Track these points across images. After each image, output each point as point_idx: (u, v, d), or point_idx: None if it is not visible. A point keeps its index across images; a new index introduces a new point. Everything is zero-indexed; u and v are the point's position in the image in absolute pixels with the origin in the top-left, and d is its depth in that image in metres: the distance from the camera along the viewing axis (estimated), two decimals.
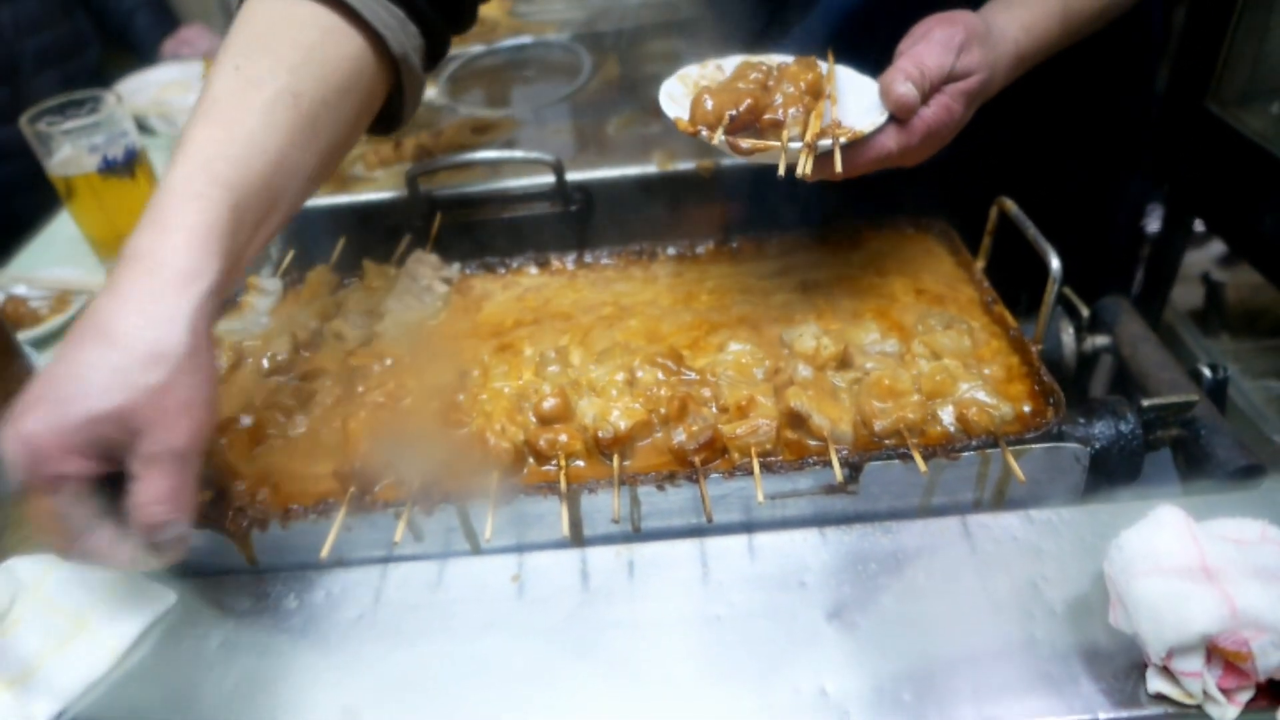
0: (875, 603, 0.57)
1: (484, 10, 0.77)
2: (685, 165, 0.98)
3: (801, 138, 0.62)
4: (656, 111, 1.07)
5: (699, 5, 1.04)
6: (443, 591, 0.61)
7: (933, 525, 0.61)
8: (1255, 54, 0.89)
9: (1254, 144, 0.87)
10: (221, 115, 0.56)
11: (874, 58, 0.69)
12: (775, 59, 0.71)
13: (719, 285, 0.81)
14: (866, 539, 0.61)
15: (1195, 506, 0.55)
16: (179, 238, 0.52)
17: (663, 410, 0.65)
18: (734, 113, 0.62)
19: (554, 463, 0.64)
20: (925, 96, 0.63)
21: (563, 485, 0.61)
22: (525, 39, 1.39)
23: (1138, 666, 0.52)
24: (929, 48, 0.63)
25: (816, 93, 0.66)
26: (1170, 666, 0.49)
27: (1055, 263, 0.66)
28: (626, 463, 0.63)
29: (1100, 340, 0.78)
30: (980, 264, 0.79)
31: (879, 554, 0.60)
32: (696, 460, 0.62)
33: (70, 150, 1.11)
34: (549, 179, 0.96)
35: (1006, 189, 0.76)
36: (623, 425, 0.63)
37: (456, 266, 0.87)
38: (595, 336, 0.76)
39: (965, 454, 0.61)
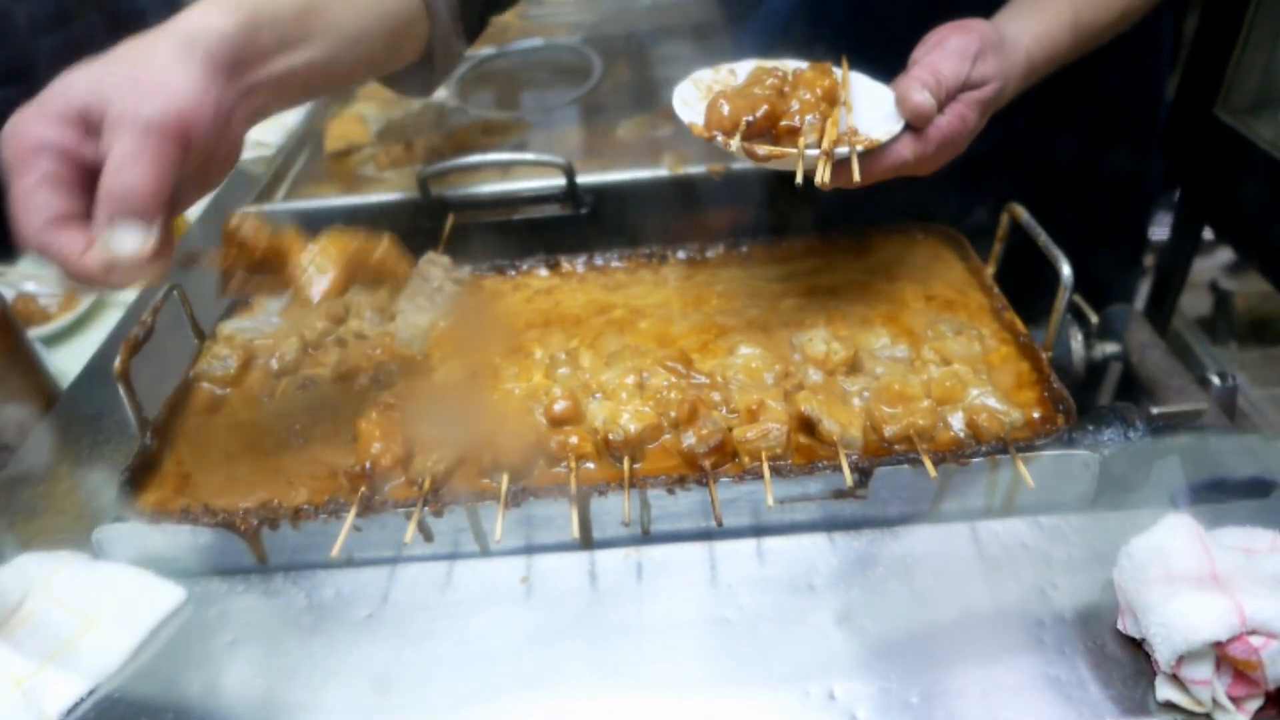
0: (884, 606, 0.57)
1: None
2: (696, 169, 0.99)
3: (818, 145, 0.62)
4: (667, 115, 1.08)
5: (710, 9, 1.04)
6: (452, 592, 0.61)
7: (942, 531, 0.61)
8: (1266, 62, 0.89)
9: (1264, 152, 0.87)
10: None
11: (885, 64, 0.69)
12: (790, 64, 0.71)
13: (729, 289, 0.82)
14: (876, 544, 0.61)
15: (1204, 515, 0.55)
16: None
17: (673, 413, 0.65)
18: (750, 119, 0.63)
19: (564, 465, 0.64)
20: (941, 105, 0.63)
21: (573, 487, 0.61)
22: (536, 41, 1.40)
23: (1146, 674, 0.52)
24: (944, 56, 0.63)
25: (833, 99, 0.66)
26: (1179, 674, 0.49)
27: (1066, 269, 0.66)
28: (636, 465, 0.64)
29: (1109, 347, 0.79)
30: (990, 270, 0.79)
31: (888, 559, 0.60)
32: (706, 464, 0.62)
33: None
34: (559, 181, 0.96)
35: (1014, 195, 0.76)
36: (633, 428, 0.63)
37: (467, 268, 0.87)
38: (605, 339, 0.76)
39: (975, 460, 0.61)
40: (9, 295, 1.10)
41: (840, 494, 0.62)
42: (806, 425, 0.64)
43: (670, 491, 0.62)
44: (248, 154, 1.30)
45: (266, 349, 0.78)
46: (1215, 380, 0.71)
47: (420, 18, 0.71)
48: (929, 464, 0.60)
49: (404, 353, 0.77)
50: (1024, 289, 0.77)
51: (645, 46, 1.32)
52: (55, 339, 1.06)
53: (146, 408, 0.70)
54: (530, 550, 0.63)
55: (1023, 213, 0.73)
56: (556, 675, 0.55)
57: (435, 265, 0.85)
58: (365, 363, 0.76)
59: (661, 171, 1.00)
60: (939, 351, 0.70)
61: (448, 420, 0.68)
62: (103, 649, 0.59)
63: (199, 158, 0.54)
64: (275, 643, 0.59)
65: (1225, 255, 1.38)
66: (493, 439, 0.65)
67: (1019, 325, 0.72)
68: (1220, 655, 0.48)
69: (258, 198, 1.00)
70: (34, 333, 1.03)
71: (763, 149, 0.62)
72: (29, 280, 1.13)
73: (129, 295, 1.08)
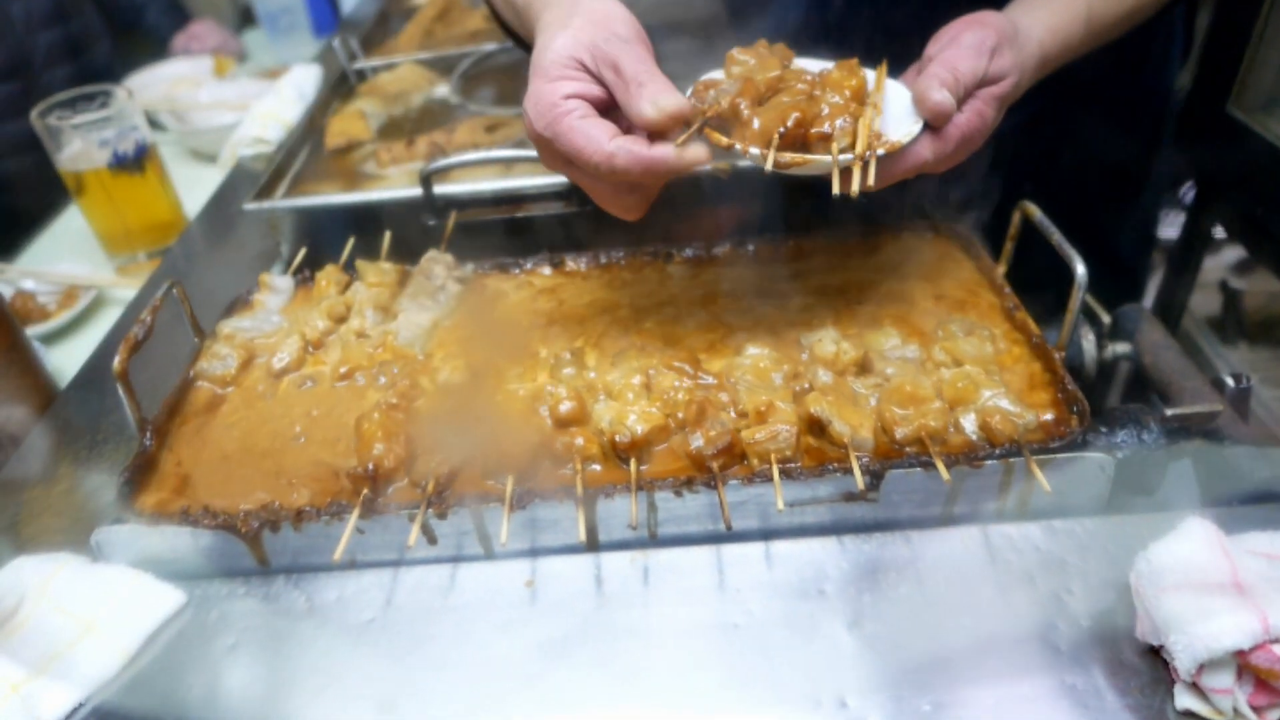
0: (895, 612, 0.56)
1: None
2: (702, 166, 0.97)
3: (850, 149, 0.61)
4: None
5: (716, 5, 1.03)
6: (455, 595, 0.60)
7: (954, 535, 0.60)
8: None
9: (1277, 149, 0.85)
10: None
11: (897, 58, 0.68)
12: (813, 65, 0.70)
13: (735, 288, 0.80)
14: (887, 548, 0.60)
15: (1223, 518, 0.54)
16: None
17: (680, 415, 0.64)
18: (783, 129, 0.61)
19: (570, 466, 0.63)
20: (959, 102, 0.62)
21: (579, 490, 0.60)
22: None
23: (1165, 682, 0.51)
24: (961, 53, 0.62)
25: (862, 100, 0.64)
26: (1200, 683, 0.48)
27: (1080, 268, 0.65)
28: (643, 467, 0.63)
29: (1121, 348, 0.77)
30: (1001, 269, 0.78)
31: (899, 563, 0.59)
32: (715, 466, 0.61)
33: (80, 145, 1.10)
34: (563, 179, 0.95)
35: (1024, 194, 0.75)
36: (640, 429, 0.62)
37: (470, 267, 0.86)
38: (610, 338, 0.75)
39: (988, 462, 0.60)
40: (8, 293, 1.09)
41: (851, 497, 0.61)
42: (816, 427, 0.63)
43: (678, 494, 0.60)
44: (247, 150, 1.29)
45: (267, 348, 0.77)
46: (1230, 381, 0.70)
47: None
48: (941, 467, 0.59)
49: (406, 352, 0.76)
50: (1034, 289, 0.76)
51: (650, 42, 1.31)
52: (54, 337, 1.05)
53: (146, 407, 0.69)
54: (535, 553, 0.62)
55: (1035, 211, 0.72)
56: (561, 681, 0.54)
57: (437, 264, 0.84)
58: (367, 362, 0.75)
59: None
60: (950, 352, 0.69)
61: (451, 421, 0.67)
62: (101, 654, 0.58)
63: None
64: (276, 647, 0.58)
65: (1234, 254, 1.37)
66: (497, 440, 0.64)
67: (1032, 325, 0.71)
68: (1242, 664, 0.47)
69: (257, 195, 0.99)
70: (32, 331, 1.02)
71: (788, 156, 0.60)
72: (27, 278, 1.12)
73: (128, 293, 1.07)
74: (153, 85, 1.63)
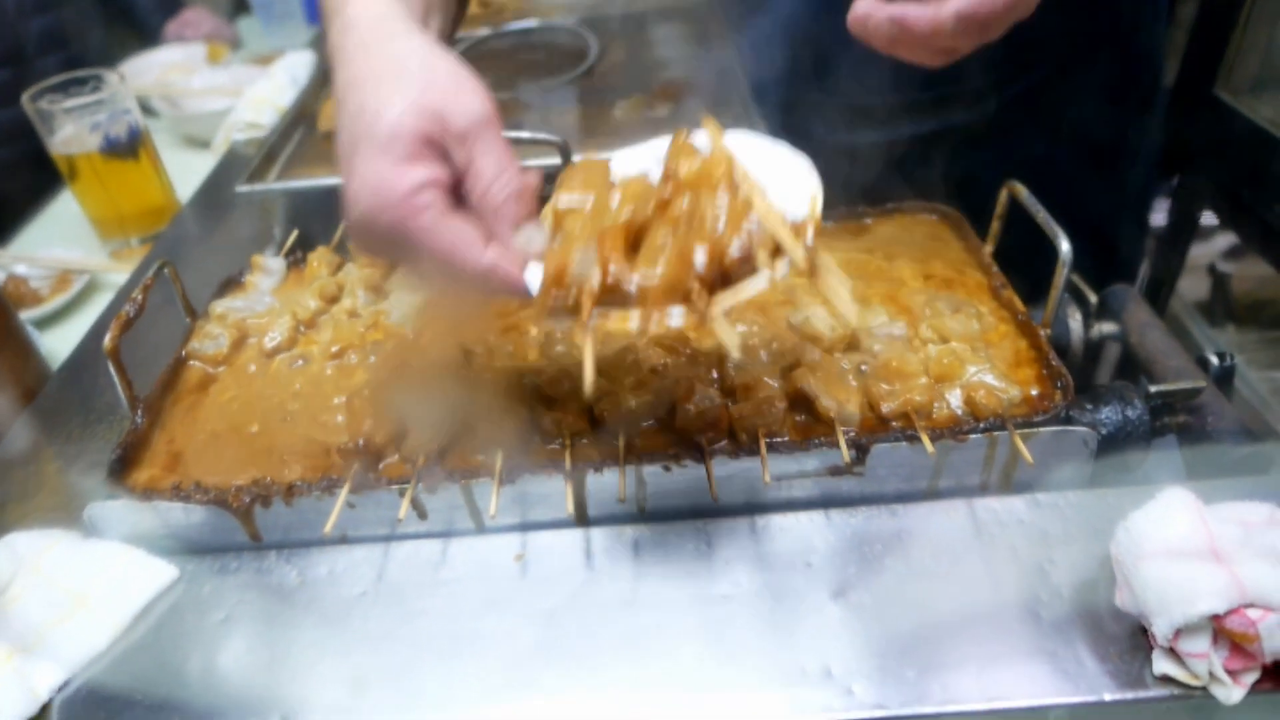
0: (880, 583, 0.57)
1: None
2: None
3: (775, 252, 0.50)
4: (664, 94, 1.06)
5: None
6: (446, 569, 0.61)
7: (939, 508, 0.61)
8: (1267, 41, 0.88)
9: (1265, 131, 0.86)
10: None
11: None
12: (624, 158, 0.57)
13: None
14: (872, 521, 0.61)
15: (1202, 491, 0.55)
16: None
17: (669, 391, 0.64)
18: (696, 283, 0.49)
19: (559, 441, 0.63)
20: None
21: (567, 464, 0.61)
22: (531, 22, 1.38)
23: (1143, 648, 0.52)
24: None
25: (735, 181, 0.52)
26: (1176, 648, 0.49)
27: (1065, 246, 0.65)
28: (633, 442, 0.63)
29: (1107, 327, 0.78)
30: (989, 248, 0.78)
31: (885, 535, 0.60)
32: (703, 440, 0.61)
33: (72, 129, 1.10)
34: (556, 160, 0.95)
35: (1011, 175, 0.75)
36: (629, 405, 0.63)
37: None
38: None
39: (973, 436, 0.61)
40: (0, 277, 1.09)
41: (837, 471, 0.61)
42: (804, 402, 0.63)
43: (666, 469, 0.61)
44: (240, 135, 1.29)
45: (259, 328, 0.78)
46: (1214, 359, 0.71)
47: None
48: (926, 440, 0.59)
49: (397, 330, 0.76)
50: (1019, 269, 0.76)
51: (642, 27, 1.31)
52: (47, 321, 1.06)
53: (137, 386, 0.69)
54: (525, 528, 0.63)
55: (1022, 190, 0.73)
56: (552, 653, 0.55)
57: None
58: (358, 341, 0.75)
59: None
60: (937, 329, 0.69)
61: (442, 398, 0.68)
62: (94, 627, 0.59)
63: None
64: (268, 620, 0.59)
65: (1223, 240, 1.38)
66: (487, 416, 0.64)
67: (1017, 303, 0.72)
68: (1218, 628, 0.48)
69: (249, 178, 0.99)
70: (25, 315, 1.02)
71: (724, 304, 0.49)
72: (20, 262, 1.12)
73: (120, 277, 1.07)
74: (146, 72, 1.63)
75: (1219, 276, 1.30)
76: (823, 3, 0.83)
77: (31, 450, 0.76)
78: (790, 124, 0.93)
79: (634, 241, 0.50)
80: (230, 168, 1.22)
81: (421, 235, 0.49)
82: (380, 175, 0.49)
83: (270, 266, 0.85)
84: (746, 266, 0.50)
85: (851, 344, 0.69)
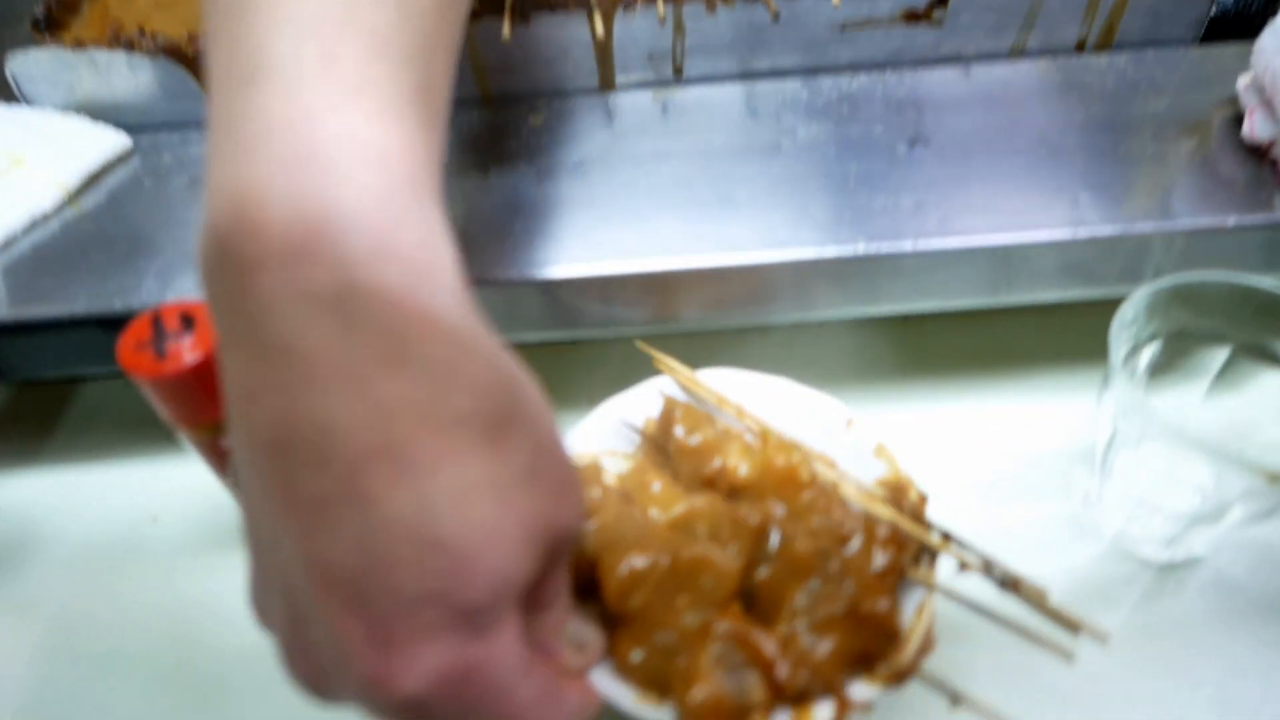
0: (955, 134, 0.49)
1: None
2: None
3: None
4: None
5: None
6: (454, 136, 0.51)
7: (1026, 65, 0.52)
8: None
9: None
10: None
11: None
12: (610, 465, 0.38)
13: None
14: (951, 83, 0.52)
15: None
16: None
17: None
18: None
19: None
20: None
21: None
22: None
23: (1269, 183, 0.44)
24: None
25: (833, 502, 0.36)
26: None
27: None
28: None
29: None
30: None
31: (967, 94, 0.51)
32: None
33: None
34: None
35: None
36: None
37: None
38: None
39: None
40: None
41: (912, 15, 0.52)
42: None
43: (710, 7, 0.51)
44: None
45: None
46: None
47: None
48: None
49: None
50: None
51: None
52: None
53: None
54: (540, 94, 0.53)
55: None
56: (578, 200, 0.47)
57: None
58: None
59: None
60: None
61: None
62: (34, 188, 0.50)
63: None
64: None
65: None
66: None
67: None
68: None
69: None
70: None
71: None
72: None
73: None
74: None
75: None
76: None
77: None
78: None
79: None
80: None
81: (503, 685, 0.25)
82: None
83: None
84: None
85: None
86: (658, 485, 0.37)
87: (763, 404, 0.40)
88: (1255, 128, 0.45)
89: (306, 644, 0.24)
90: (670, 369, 0.42)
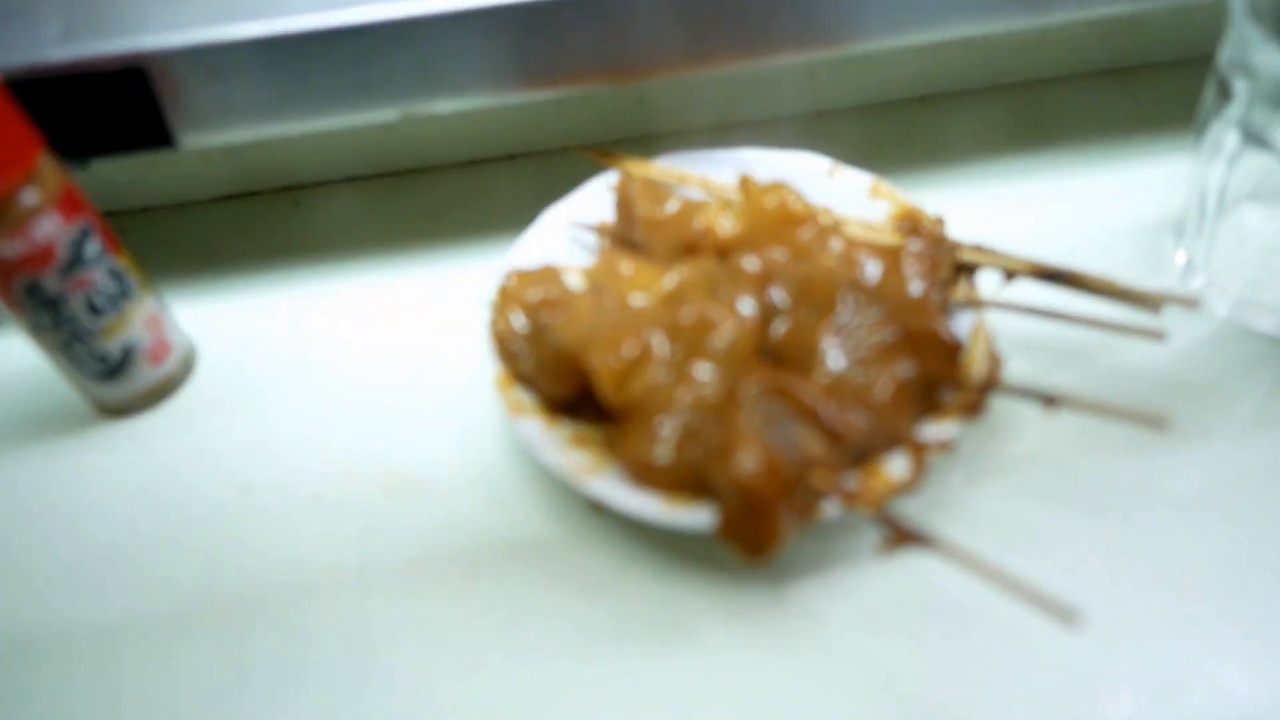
0: None
1: None
2: None
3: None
4: None
5: None
6: None
7: None
8: None
9: None
10: None
11: None
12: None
13: None
14: None
15: None
16: None
17: None
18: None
19: None
20: None
21: None
22: None
23: None
24: None
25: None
26: None
27: None
28: None
29: None
30: None
31: None
32: None
33: None
34: None
35: None
36: None
37: None
38: None
39: None
40: None
41: None
42: None
43: None
44: None
45: None
46: None
47: None
48: None
49: None
50: None
51: None
52: None
53: None
54: None
55: None
56: None
57: None
58: None
59: None
60: None
61: None
62: None
63: None
64: None
65: None
66: None
67: None
68: None
69: None
70: None
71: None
72: None
73: None
74: None
75: None
76: None
77: None
78: None
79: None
80: None
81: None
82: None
83: None
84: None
85: None
86: (629, 268, 0.32)
87: (730, 177, 0.37)
88: None
89: None
90: (618, 161, 0.38)
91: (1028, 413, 0.34)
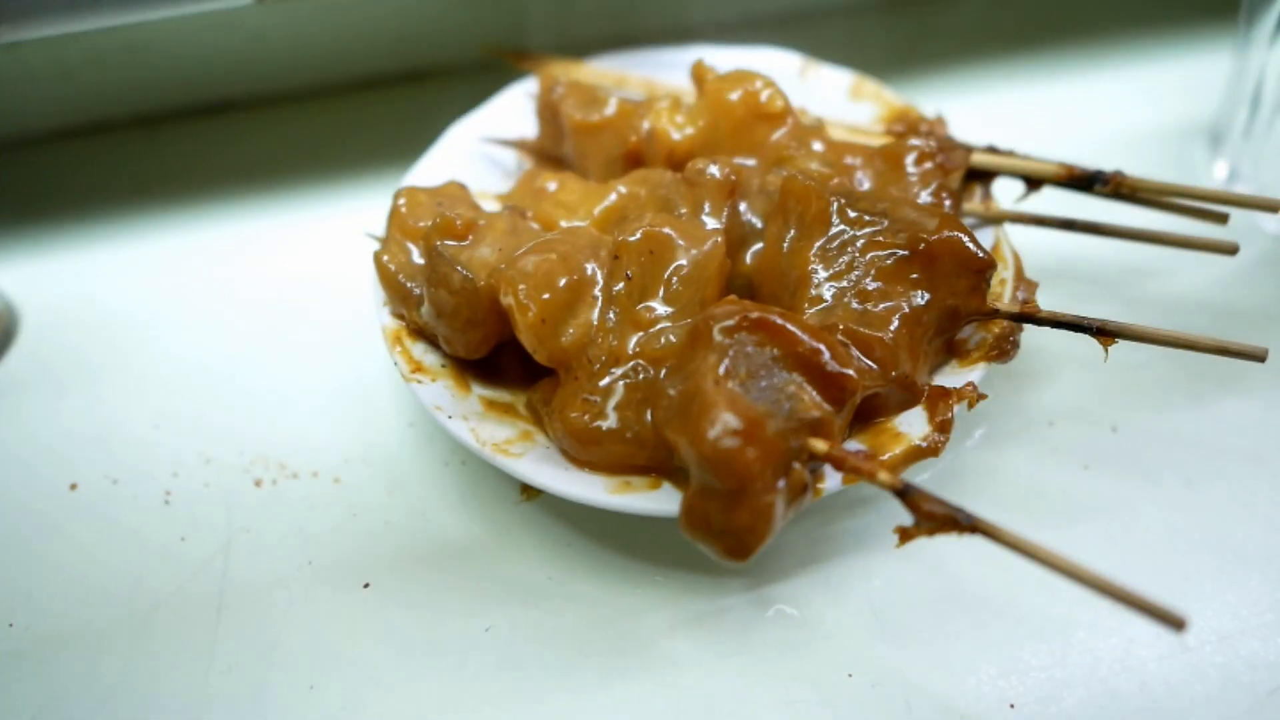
0: None
1: None
2: None
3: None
4: None
5: None
6: None
7: None
8: None
9: None
10: None
11: None
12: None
13: None
14: None
15: None
16: None
17: None
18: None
19: None
20: None
21: None
22: None
23: None
24: None
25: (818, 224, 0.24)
26: None
27: None
28: None
29: None
30: None
31: None
32: None
33: None
34: None
35: None
36: None
37: None
38: None
39: None
40: None
41: None
42: None
43: None
44: None
45: None
46: None
47: None
48: None
49: None
50: None
51: None
52: None
53: None
54: None
55: None
56: None
57: None
58: None
59: None
60: None
61: None
62: None
63: None
64: None
65: None
66: None
67: None
68: None
69: None
70: None
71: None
72: None
73: None
74: None
75: None
76: None
77: None
78: None
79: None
80: None
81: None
82: None
83: None
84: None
85: None
86: (555, 185, 0.26)
87: (677, 78, 0.30)
88: None
89: None
90: (540, 62, 0.31)
91: (1057, 359, 0.27)
